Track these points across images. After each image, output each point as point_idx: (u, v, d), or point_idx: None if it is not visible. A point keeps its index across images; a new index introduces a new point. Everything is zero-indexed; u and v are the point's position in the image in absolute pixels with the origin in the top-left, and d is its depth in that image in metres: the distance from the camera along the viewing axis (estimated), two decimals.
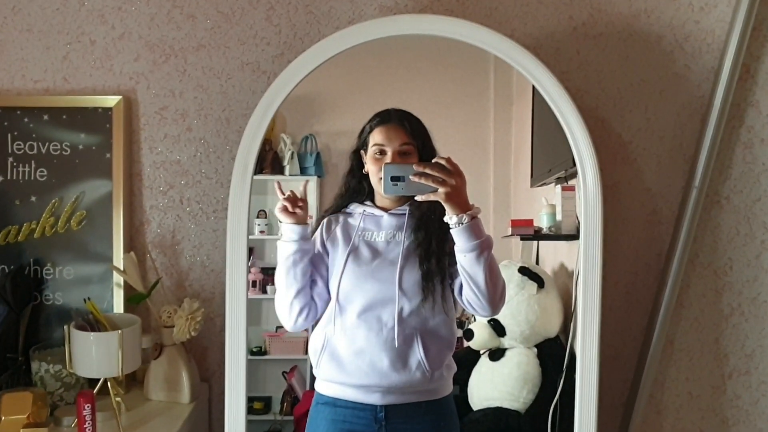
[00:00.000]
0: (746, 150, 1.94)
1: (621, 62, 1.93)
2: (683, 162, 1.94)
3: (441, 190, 1.40)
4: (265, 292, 1.83)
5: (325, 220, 1.65)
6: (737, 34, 1.83)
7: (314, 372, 1.61)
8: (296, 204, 1.57)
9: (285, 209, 1.56)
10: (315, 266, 1.61)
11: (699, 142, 1.89)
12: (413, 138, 1.55)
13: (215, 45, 1.95)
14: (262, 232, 1.94)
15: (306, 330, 1.90)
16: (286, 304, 1.59)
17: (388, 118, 1.58)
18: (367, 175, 1.60)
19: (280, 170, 1.91)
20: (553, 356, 1.89)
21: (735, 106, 1.91)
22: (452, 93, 1.93)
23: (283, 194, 1.57)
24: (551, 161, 1.86)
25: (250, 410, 1.79)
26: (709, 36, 1.91)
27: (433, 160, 1.43)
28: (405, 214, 1.58)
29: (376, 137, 1.56)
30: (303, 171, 1.93)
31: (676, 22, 1.91)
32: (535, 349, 1.91)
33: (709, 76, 1.91)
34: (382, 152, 1.54)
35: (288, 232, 1.57)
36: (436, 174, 1.40)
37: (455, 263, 1.49)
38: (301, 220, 1.57)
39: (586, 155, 1.68)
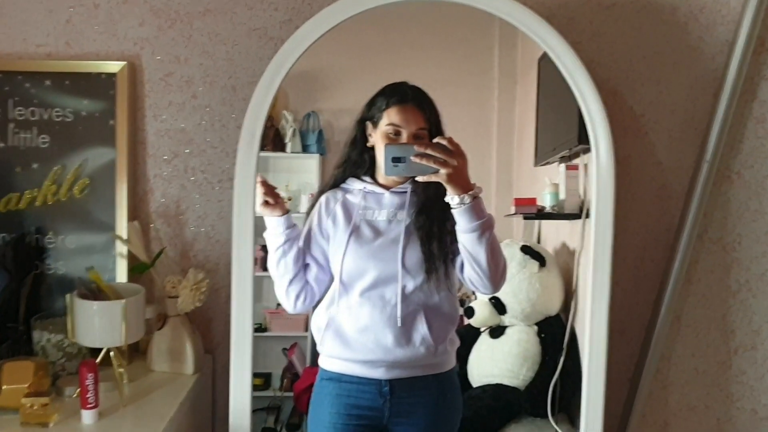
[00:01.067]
0: (758, 124, 1.93)
1: (634, 33, 1.90)
2: (695, 136, 1.92)
3: (442, 171, 1.38)
4: (266, 269, 1.81)
5: (323, 198, 1.62)
6: (753, 6, 1.81)
7: (318, 349, 1.61)
8: (275, 194, 1.57)
9: (267, 203, 1.57)
10: (309, 250, 1.61)
11: (711, 116, 1.87)
12: (428, 122, 1.53)
13: (221, 10, 1.92)
14: None
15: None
16: (282, 292, 1.62)
17: (405, 97, 1.54)
18: (369, 148, 1.58)
19: (281, 147, 1.90)
20: (554, 334, 1.90)
21: (748, 79, 1.89)
22: (456, 71, 1.92)
23: (264, 189, 1.56)
24: (555, 140, 1.85)
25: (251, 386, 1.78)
26: (724, 8, 1.89)
27: (434, 140, 1.40)
28: (406, 192, 1.56)
29: (393, 117, 1.52)
30: (305, 148, 1.92)
31: None
32: (536, 327, 1.92)
33: (723, 48, 1.89)
34: (398, 133, 1.52)
35: (274, 225, 1.58)
36: (437, 155, 1.38)
37: (456, 240, 1.48)
38: (283, 211, 1.58)
39: (600, 127, 1.66)
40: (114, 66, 1.91)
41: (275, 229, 1.58)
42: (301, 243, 1.60)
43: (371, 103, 1.57)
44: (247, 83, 1.92)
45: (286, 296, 1.61)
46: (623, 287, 1.96)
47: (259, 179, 1.58)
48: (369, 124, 1.57)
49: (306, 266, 1.62)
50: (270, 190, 1.57)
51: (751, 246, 1.96)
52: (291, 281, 1.59)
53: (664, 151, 1.93)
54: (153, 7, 1.92)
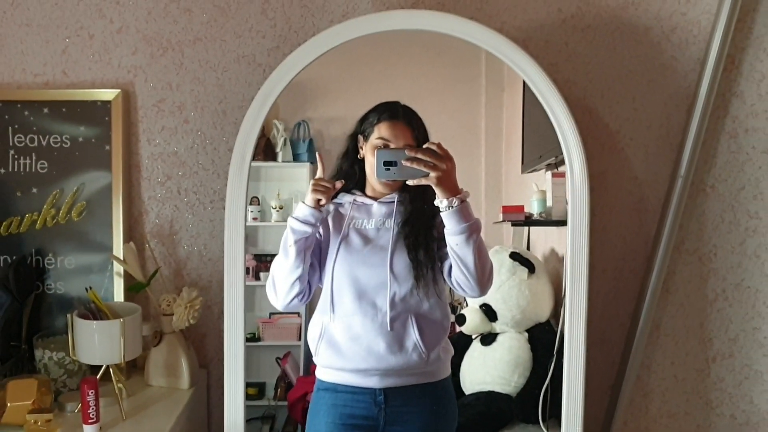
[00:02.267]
0: (731, 139, 1.99)
1: (609, 53, 1.96)
2: (670, 151, 1.98)
3: (432, 174, 1.46)
4: (258, 278, 1.85)
5: None
6: (722, 26, 1.87)
7: (314, 360, 1.65)
8: (329, 194, 1.56)
9: (318, 191, 1.55)
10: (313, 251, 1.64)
11: (685, 131, 1.93)
12: (416, 140, 1.59)
13: (211, 38, 1.99)
14: (255, 218, 1.96)
15: (298, 315, 1.96)
16: (286, 285, 1.59)
17: (396, 114, 1.61)
18: (360, 161, 1.64)
19: (273, 157, 1.93)
20: (544, 341, 1.92)
21: (720, 96, 1.95)
22: (444, 79, 1.95)
23: (323, 173, 1.58)
24: (542, 148, 1.88)
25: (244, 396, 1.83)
26: (695, 27, 1.95)
27: (424, 146, 1.48)
28: (394, 202, 1.62)
29: (383, 131, 1.59)
30: (296, 157, 1.94)
31: (663, 13, 1.95)
32: (526, 334, 1.95)
33: (695, 66, 1.95)
34: (386, 147, 1.58)
35: (308, 215, 1.55)
36: (427, 159, 1.45)
37: (444, 247, 1.54)
38: (322, 207, 1.57)
39: (572, 146, 1.71)
40: (109, 93, 1.98)
41: (306, 219, 1.55)
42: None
43: (363, 119, 1.64)
44: (236, 107, 1.99)
45: (289, 290, 1.59)
46: (603, 297, 2.03)
47: (318, 155, 1.59)
48: (360, 138, 1.64)
49: (311, 266, 1.61)
50: (327, 188, 1.56)
51: (727, 256, 2.02)
52: (300, 276, 1.57)
53: (640, 166, 2.00)
54: (146, 36, 1.99)
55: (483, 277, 1.54)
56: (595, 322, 2.00)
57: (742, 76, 1.96)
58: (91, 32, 1.99)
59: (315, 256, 1.63)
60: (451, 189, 1.48)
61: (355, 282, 1.59)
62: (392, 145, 1.57)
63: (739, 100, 1.97)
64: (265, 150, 1.92)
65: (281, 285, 1.60)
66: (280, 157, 1.94)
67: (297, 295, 1.60)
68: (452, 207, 1.47)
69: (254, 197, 1.96)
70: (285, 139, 1.93)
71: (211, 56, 1.99)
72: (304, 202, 1.56)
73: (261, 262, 1.93)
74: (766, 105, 1.96)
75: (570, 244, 1.76)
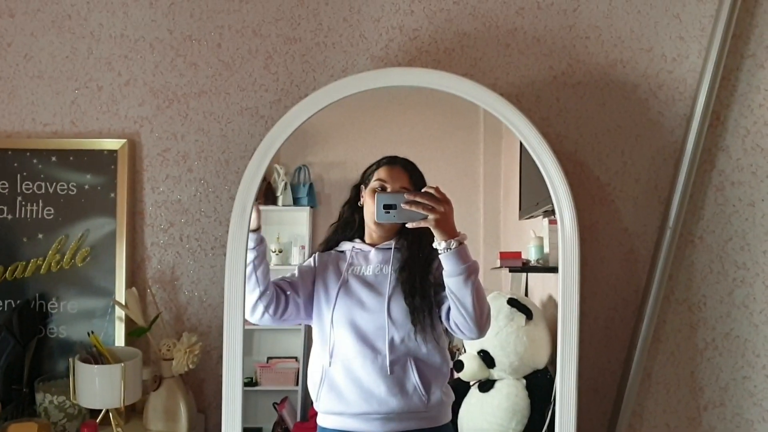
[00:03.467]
0: (718, 192, 2.04)
1: (598, 109, 2.03)
2: (658, 203, 2.04)
3: (430, 216, 1.52)
4: (254, 324, 1.87)
5: (317, 255, 1.76)
6: (707, 83, 1.94)
7: (315, 406, 1.68)
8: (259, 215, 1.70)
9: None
10: (293, 289, 1.71)
11: (673, 184, 1.99)
12: (413, 184, 1.67)
13: (216, 91, 2.06)
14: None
15: (296, 359, 1.97)
16: (250, 305, 1.69)
17: (395, 161, 1.71)
18: (360, 208, 1.71)
19: (273, 200, 1.95)
20: (542, 388, 1.92)
21: (706, 151, 2.01)
22: (443, 126, 1.98)
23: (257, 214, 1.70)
24: (538, 195, 1.90)
25: None
26: (681, 85, 2.02)
27: (423, 190, 1.54)
28: (391, 248, 1.68)
29: (381, 174, 1.69)
30: (296, 201, 1.97)
31: (651, 71, 2.03)
32: (524, 381, 1.95)
33: (681, 122, 2.02)
34: (383, 188, 1.66)
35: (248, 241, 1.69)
36: (425, 202, 1.52)
37: (441, 292, 1.59)
38: (257, 226, 1.71)
39: (563, 197, 1.76)
40: (115, 143, 2.04)
41: (249, 243, 1.69)
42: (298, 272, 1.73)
43: (366, 170, 1.74)
44: (239, 157, 2.06)
45: (253, 309, 1.69)
46: (595, 347, 2.06)
47: (256, 207, 1.71)
48: (362, 187, 1.72)
49: (281, 289, 1.71)
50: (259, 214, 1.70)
51: (716, 306, 2.06)
52: (261, 295, 1.68)
53: (629, 218, 2.05)
54: (152, 88, 2.06)
55: (481, 319, 1.58)
56: (587, 371, 2.03)
57: (728, 132, 2.03)
58: (99, 84, 2.06)
59: (294, 290, 1.70)
60: (449, 231, 1.54)
61: (354, 326, 1.63)
62: (389, 187, 1.64)
63: (725, 154, 2.03)
64: (265, 194, 1.94)
65: (248, 303, 1.70)
66: (280, 201, 1.96)
67: (265, 310, 1.68)
68: (450, 249, 1.53)
69: None
70: (285, 183, 1.95)
71: (216, 108, 2.06)
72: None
73: None
74: (751, 159, 2.02)
75: (561, 291, 1.79)
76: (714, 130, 2.02)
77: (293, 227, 2.01)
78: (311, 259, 1.76)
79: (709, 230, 2.05)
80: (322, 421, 1.68)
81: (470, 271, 1.55)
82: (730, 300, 2.06)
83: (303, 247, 1.92)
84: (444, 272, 1.56)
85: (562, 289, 1.79)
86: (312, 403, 1.75)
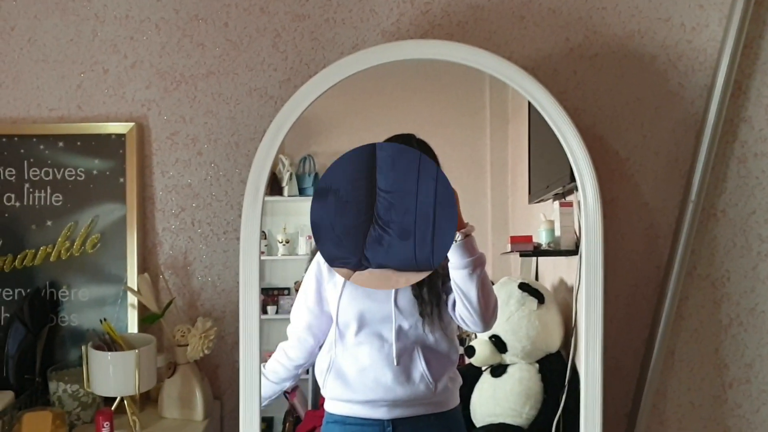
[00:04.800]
0: (740, 164, 2.00)
1: (616, 81, 1.99)
2: (679, 177, 2.00)
3: None
4: (265, 312, 1.85)
5: (319, 262, 1.73)
6: (728, 53, 1.89)
7: (321, 392, 1.68)
8: None
9: None
10: (313, 327, 1.71)
11: (694, 157, 1.94)
12: None
13: (224, 72, 2.02)
14: (262, 252, 1.93)
15: None
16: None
17: (409, 143, 1.66)
18: None
19: (279, 191, 1.94)
20: (555, 371, 1.91)
21: (728, 121, 1.97)
22: (448, 112, 1.96)
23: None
24: (548, 177, 1.90)
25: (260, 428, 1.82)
26: (701, 55, 1.97)
27: None
28: None
29: None
30: (301, 191, 1.96)
31: (669, 42, 1.98)
32: (537, 365, 1.94)
33: (702, 93, 1.97)
34: None
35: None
36: None
37: (448, 280, 1.55)
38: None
39: (585, 172, 1.72)
40: (123, 127, 2.00)
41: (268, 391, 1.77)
42: (310, 303, 1.70)
43: None
44: (249, 139, 2.02)
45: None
46: (617, 325, 2.02)
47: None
48: None
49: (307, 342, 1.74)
50: None
51: (740, 281, 2.02)
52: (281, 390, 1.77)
53: (650, 192, 2.01)
54: (159, 70, 2.02)
55: (487, 313, 1.55)
56: (610, 349, 1.99)
57: (750, 102, 1.98)
58: (105, 67, 2.03)
59: (315, 333, 1.72)
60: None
61: (360, 316, 1.62)
62: None
63: (748, 125, 1.98)
64: (271, 185, 1.91)
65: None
66: (285, 192, 1.95)
67: (298, 377, 1.77)
68: (456, 241, 1.49)
69: (261, 231, 1.96)
70: (291, 174, 1.95)
71: (224, 89, 2.02)
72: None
73: (268, 296, 1.93)
74: None
75: (584, 270, 1.75)
76: (736, 101, 1.97)
77: (299, 217, 1.98)
78: (313, 273, 1.72)
79: (731, 203, 2.01)
80: (329, 407, 1.67)
81: (476, 264, 1.52)
82: (754, 274, 2.01)
83: (310, 238, 1.88)
84: (449, 264, 1.53)
85: (585, 266, 1.75)
86: None
